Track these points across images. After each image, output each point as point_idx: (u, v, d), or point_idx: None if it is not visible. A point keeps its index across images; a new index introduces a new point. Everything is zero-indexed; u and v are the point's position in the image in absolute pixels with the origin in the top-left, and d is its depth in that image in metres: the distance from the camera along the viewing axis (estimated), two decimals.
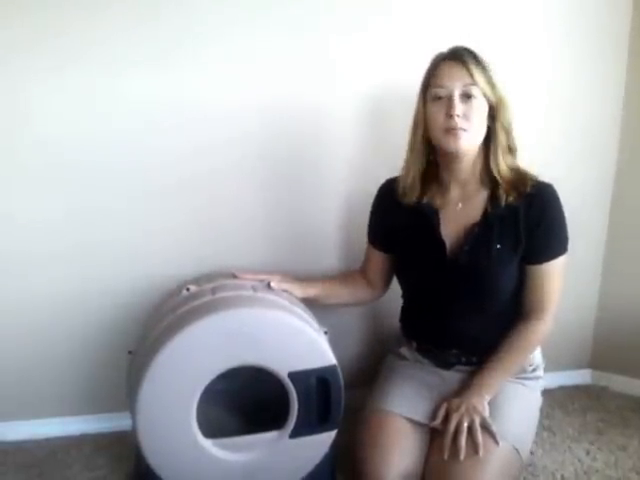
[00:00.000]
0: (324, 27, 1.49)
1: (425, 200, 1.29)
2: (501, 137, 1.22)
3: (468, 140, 1.19)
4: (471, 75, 1.17)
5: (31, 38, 1.34)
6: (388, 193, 1.36)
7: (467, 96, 1.17)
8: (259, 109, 1.49)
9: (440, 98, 1.19)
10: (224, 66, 1.45)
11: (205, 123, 1.47)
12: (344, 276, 1.51)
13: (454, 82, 1.17)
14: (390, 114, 1.55)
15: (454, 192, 1.28)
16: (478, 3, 1.55)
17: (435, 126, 1.21)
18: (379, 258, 1.41)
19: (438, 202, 1.29)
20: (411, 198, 1.29)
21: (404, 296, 1.42)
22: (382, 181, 1.40)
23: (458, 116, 1.16)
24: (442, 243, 1.26)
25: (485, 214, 1.24)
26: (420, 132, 1.25)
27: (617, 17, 1.64)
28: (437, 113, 1.20)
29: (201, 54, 1.44)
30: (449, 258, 1.26)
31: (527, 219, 1.22)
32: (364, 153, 1.58)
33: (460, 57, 1.18)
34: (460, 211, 1.27)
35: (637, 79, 1.67)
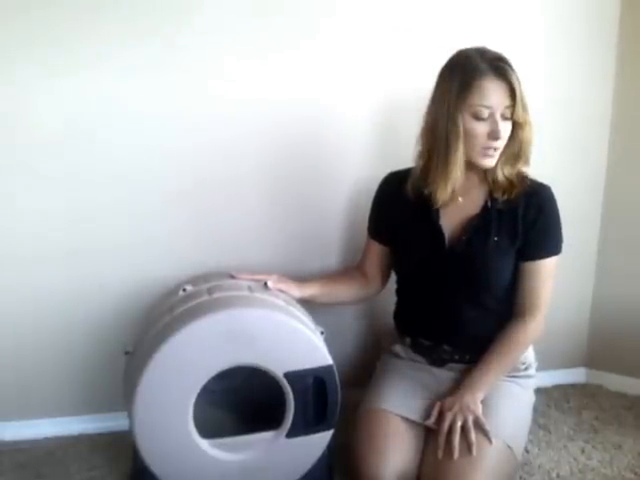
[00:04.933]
0: (328, 28, 1.50)
1: (427, 191, 1.28)
2: (526, 153, 1.22)
3: (498, 157, 1.22)
4: (514, 97, 1.16)
5: (32, 39, 1.34)
6: (391, 185, 1.37)
7: (506, 116, 1.18)
8: (260, 112, 1.49)
9: (482, 117, 1.17)
10: (227, 68, 1.46)
11: (207, 126, 1.47)
12: (341, 273, 1.52)
13: (499, 102, 1.16)
14: (396, 116, 1.56)
15: (460, 184, 1.28)
16: (472, 6, 1.56)
17: (474, 143, 1.19)
18: (378, 251, 1.41)
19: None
20: (427, 190, 1.26)
21: (399, 290, 1.42)
22: None
23: (503, 138, 1.18)
24: (441, 234, 1.27)
25: (485, 207, 1.26)
26: (459, 145, 1.19)
27: (605, 17, 1.65)
28: (478, 131, 1.18)
29: (210, 54, 1.44)
30: (447, 248, 1.27)
31: (524, 217, 1.25)
32: (368, 154, 1.58)
33: (505, 75, 1.16)
34: (461, 204, 1.29)
35: (625, 79, 1.68)
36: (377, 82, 1.54)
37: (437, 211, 1.29)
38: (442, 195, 1.24)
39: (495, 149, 1.20)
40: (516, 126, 1.20)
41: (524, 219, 1.25)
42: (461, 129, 1.18)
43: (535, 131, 1.24)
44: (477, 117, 1.17)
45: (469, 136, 1.18)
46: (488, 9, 1.58)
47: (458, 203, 1.29)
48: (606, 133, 1.73)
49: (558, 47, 1.64)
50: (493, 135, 1.17)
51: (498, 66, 1.17)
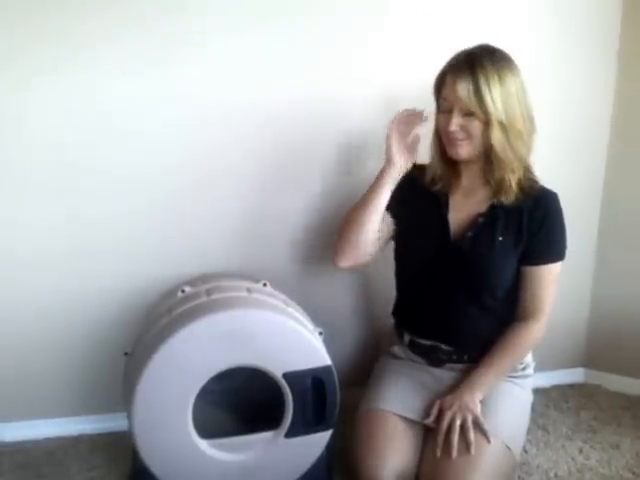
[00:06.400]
0: (330, 25, 1.50)
1: (438, 185, 1.31)
2: (497, 154, 1.21)
3: (468, 149, 1.23)
4: (471, 94, 1.16)
5: (30, 38, 1.34)
6: (408, 176, 1.35)
7: (467, 112, 1.18)
8: (255, 110, 1.49)
9: (442, 109, 1.23)
10: (227, 66, 1.46)
11: (205, 125, 1.47)
12: None
13: (456, 97, 1.18)
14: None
15: (465, 181, 1.32)
16: (474, 4, 1.57)
17: (441, 134, 1.27)
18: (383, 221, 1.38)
19: (450, 188, 1.32)
20: (438, 185, 1.31)
21: (400, 285, 1.43)
22: None
23: (456, 130, 1.20)
24: (447, 227, 1.29)
25: (491, 207, 1.28)
26: (434, 135, 1.30)
27: (607, 17, 1.65)
28: (440, 122, 1.25)
29: (209, 49, 1.44)
30: (452, 243, 1.28)
31: (530, 221, 1.26)
32: (370, 150, 1.57)
33: (466, 71, 1.17)
34: (468, 200, 1.31)
35: (626, 80, 1.68)
36: (379, 77, 1.54)
37: (447, 205, 1.31)
38: (439, 177, 1.31)
39: (459, 140, 1.22)
40: (485, 127, 1.19)
41: (529, 222, 1.26)
42: (435, 122, 1.29)
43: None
44: (440, 109, 1.25)
45: (437, 128, 1.28)
46: (489, 7, 1.58)
47: (467, 199, 1.31)
48: (606, 133, 1.73)
49: (559, 47, 1.64)
50: (446, 126, 1.22)
51: (462, 62, 1.20)
